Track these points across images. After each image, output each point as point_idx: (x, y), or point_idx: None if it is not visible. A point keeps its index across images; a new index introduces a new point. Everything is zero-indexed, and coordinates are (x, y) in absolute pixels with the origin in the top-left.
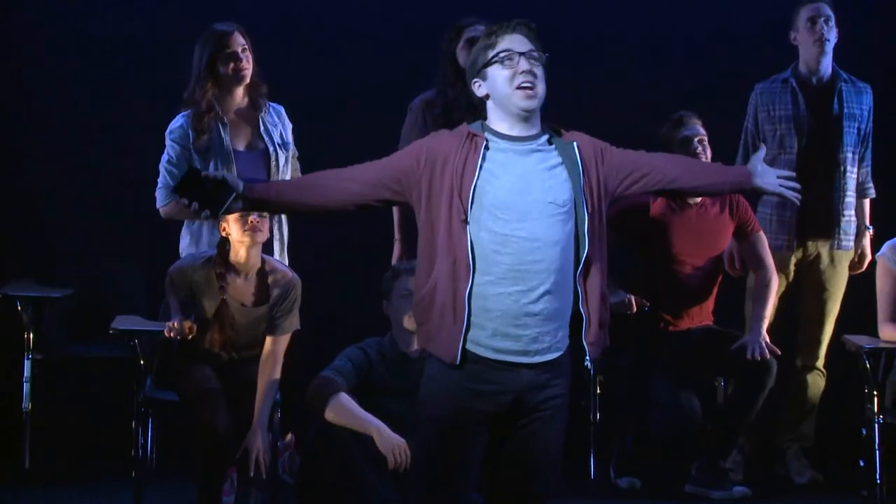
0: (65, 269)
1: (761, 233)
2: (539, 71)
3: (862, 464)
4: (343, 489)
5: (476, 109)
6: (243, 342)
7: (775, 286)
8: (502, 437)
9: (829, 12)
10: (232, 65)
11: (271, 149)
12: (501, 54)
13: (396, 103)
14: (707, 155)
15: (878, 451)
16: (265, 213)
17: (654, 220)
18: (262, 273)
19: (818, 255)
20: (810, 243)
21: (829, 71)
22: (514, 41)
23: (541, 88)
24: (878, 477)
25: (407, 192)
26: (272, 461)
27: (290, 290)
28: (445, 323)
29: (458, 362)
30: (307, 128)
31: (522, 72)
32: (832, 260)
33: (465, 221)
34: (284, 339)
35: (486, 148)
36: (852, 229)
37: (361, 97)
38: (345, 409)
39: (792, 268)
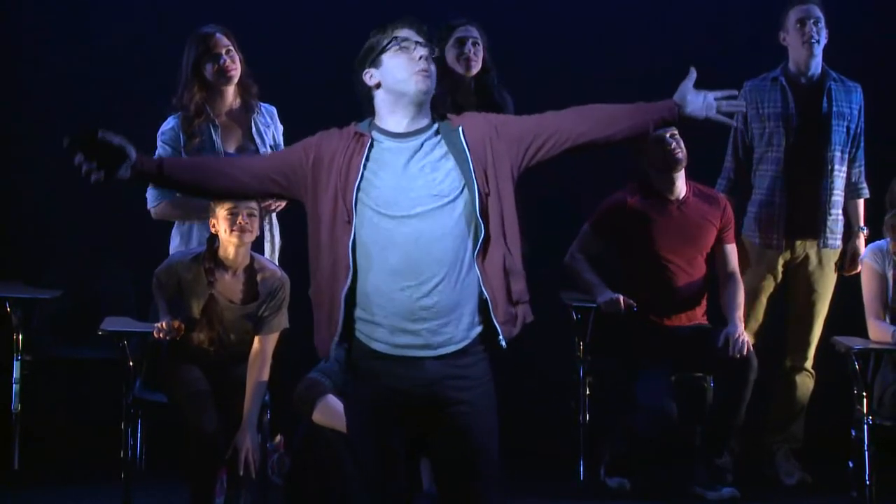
0: (54, 270)
1: (734, 245)
2: (432, 67)
3: (851, 465)
4: (331, 490)
5: (460, 108)
6: (232, 340)
7: (742, 293)
8: (432, 438)
9: (819, 13)
10: (217, 66)
11: (262, 150)
12: (399, 40)
13: None
14: (681, 147)
15: (867, 452)
16: (254, 213)
17: (633, 215)
18: (251, 270)
19: (806, 257)
20: (798, 244)
21: (819, 70)
22: (409, 33)
23: (433, 80)
24: (867, 478)
25: (294, 189)
26: (261, 462)
27: (279, 288)
28: (322, 323)
29: (328, 358)
30: (297, 129)
31: (420, 57)
32: (820, 261)
33: (349, 222)
34: (273, 338)
35: (371, 147)
36: (839, 228)
37: (351, 98)
38: (332, 411)
39: (780, 269)
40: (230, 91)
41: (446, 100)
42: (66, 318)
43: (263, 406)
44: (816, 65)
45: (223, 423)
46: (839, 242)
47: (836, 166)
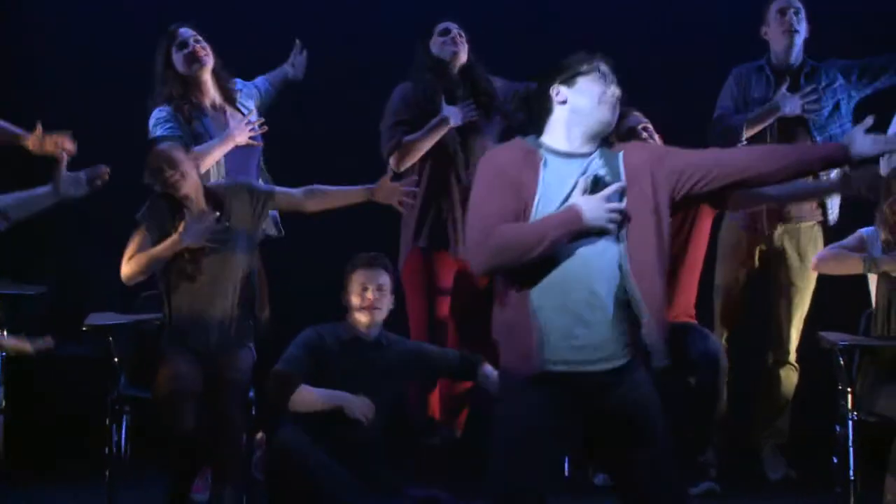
0: (41, 267)
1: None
2: (617, 106)
3: (836, 461)
4: (307, 494)
5: (452, 97)
6: (214, 261)
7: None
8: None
9: (799, 5)
10: (186, 53)
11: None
12: (600, 72)
13: (368, 96)
14: (654, 139)
15: (851, 448)
16: (184, 175)
17: None
18: (209, 197)
19: (784, 250)
20: (776, 236)
21: (800, 60)
22: (608, 71)
23: (615, 118)
24: (851, 474)
25: None
26: (246, 459)
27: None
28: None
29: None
30: (296, 127)
31: (613, 94)
32: (800, 255)
33: None
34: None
35: (544, 165)
36: (833, 204)
37: (350, 99)
38: (306, 398)
39: (756, 259)
40: (208, 83)
41: (438, 86)
42: (51, 314)
43: (248, 403)
44: (797, 54)
45: (206, 422)
46: (835, 216)
47: None
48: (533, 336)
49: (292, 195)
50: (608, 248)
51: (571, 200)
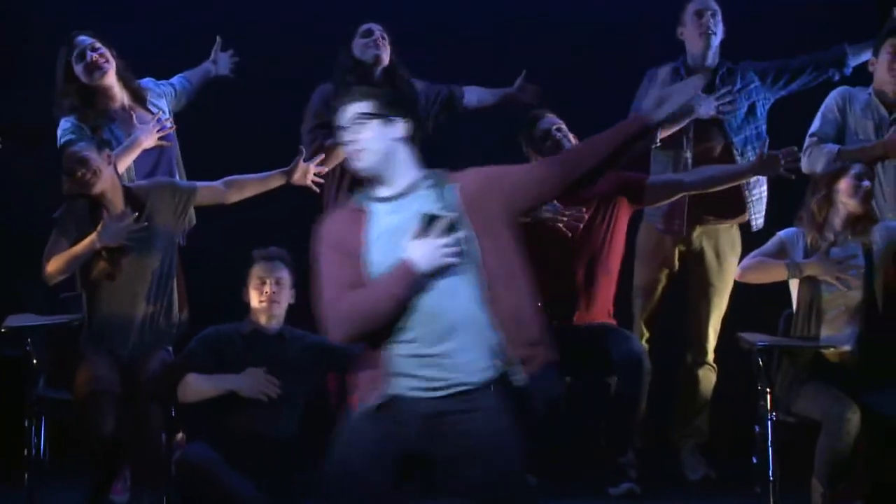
0: None
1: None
2: (368, 132)
3: (755, 461)
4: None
5: None
6: (132, 262)
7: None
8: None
9: (716, 7)
10: (85, 63)
11: (168, 125)
12: (338, 132)
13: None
14: (571, 140)
15: (770, 449)
16: (98, 172)
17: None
18: (129, 197)
19: (702, 251)
20: (695, 237)
21: (716, 62)
22: (342, 115)
23: (368, 153)
24: (771, 474)
25: None
26: (165, 460)
27: (162, 189)
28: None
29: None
30: (292, 125)
31: (348, 142)
32: (717, 255)
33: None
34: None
35: (369, 218)
36: (763, 206)
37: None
38: (194, 387)
39: (676, 261)
40: (114, 87)
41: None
42: None
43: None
44: (713, 56)
45: (126, 424)
46: (762, 221)
47: (738, 147)
48: (379, 370)
49: (214, 188)
50: (462, 277)
51: (406, 249)
